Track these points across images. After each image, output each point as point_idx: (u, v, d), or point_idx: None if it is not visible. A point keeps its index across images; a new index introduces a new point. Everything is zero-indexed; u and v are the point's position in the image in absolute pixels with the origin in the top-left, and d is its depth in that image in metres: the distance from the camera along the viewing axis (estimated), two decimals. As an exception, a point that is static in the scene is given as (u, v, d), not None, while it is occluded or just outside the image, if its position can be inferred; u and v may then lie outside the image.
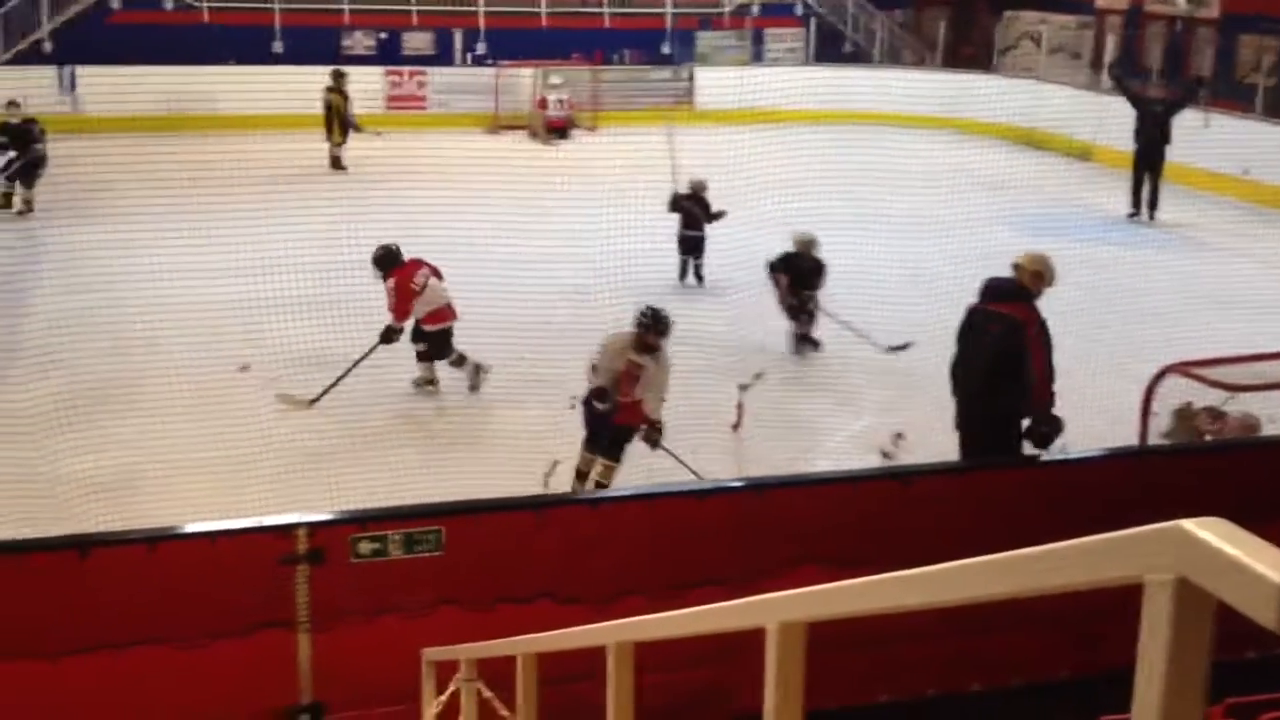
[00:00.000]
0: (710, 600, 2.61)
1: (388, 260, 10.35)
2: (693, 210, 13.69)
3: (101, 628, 5.09)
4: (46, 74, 21.36)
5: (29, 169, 16.19)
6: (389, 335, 10.10)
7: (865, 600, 1.73)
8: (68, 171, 14.93)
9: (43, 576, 5.11)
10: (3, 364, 10.58)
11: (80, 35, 23.09)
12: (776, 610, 1.95)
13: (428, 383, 10.46)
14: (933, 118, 23.00)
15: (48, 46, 23.11)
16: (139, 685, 5.17)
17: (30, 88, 20.54)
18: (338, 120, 19.52)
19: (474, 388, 10.39)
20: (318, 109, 19.43)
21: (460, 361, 10.36)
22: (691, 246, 13.82)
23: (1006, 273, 7.39)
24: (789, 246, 11.81)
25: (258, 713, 5.33)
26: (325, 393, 9.87)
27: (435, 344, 10.35)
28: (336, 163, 19.46)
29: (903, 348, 11.21)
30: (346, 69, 20.53)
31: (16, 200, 16.33)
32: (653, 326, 8.18)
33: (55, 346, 10.15)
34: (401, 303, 10.13)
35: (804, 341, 11.84)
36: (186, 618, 5.19)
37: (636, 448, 8.42)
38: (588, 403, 8.26)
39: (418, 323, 10.31)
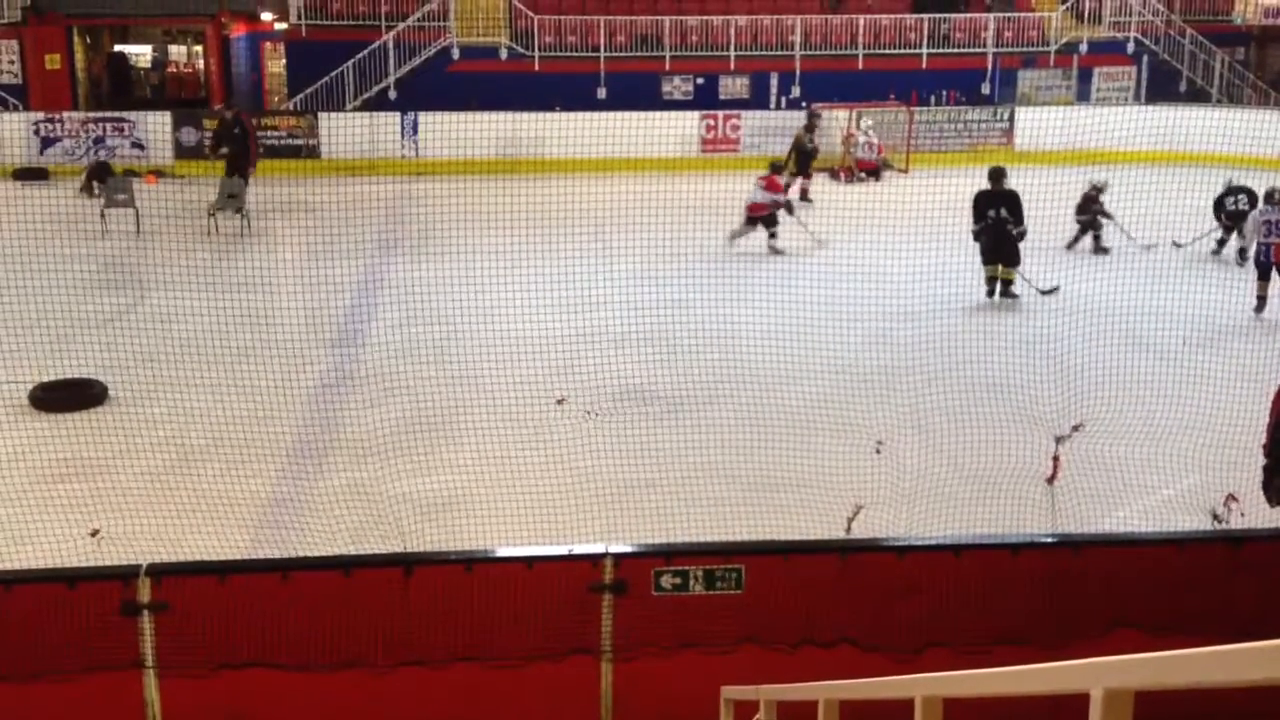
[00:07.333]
0: (1018, 659, 2.50)
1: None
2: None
3: (423, 644, 5.38)
4: (391, 119, 23.08)
5: None
6: None
7: (1204, 671, 1.61)
8: (408, 211, 16.00)
9: (370, 592, 5.44)
10: (345, 391, 11.37)
11: (422, 83, 24.79)
12: (1104, 675, 1.84)
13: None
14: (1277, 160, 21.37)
15: (393, 94, 24.89)
16: (455, 701, 5.43)
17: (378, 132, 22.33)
18: None
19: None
20: (637, 153, 19.92)
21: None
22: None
23: None
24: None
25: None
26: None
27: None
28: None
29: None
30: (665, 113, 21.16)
31: None
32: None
33: (394, 374, 10.85)
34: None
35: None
36: (500, 638, 5.41)
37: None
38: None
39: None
